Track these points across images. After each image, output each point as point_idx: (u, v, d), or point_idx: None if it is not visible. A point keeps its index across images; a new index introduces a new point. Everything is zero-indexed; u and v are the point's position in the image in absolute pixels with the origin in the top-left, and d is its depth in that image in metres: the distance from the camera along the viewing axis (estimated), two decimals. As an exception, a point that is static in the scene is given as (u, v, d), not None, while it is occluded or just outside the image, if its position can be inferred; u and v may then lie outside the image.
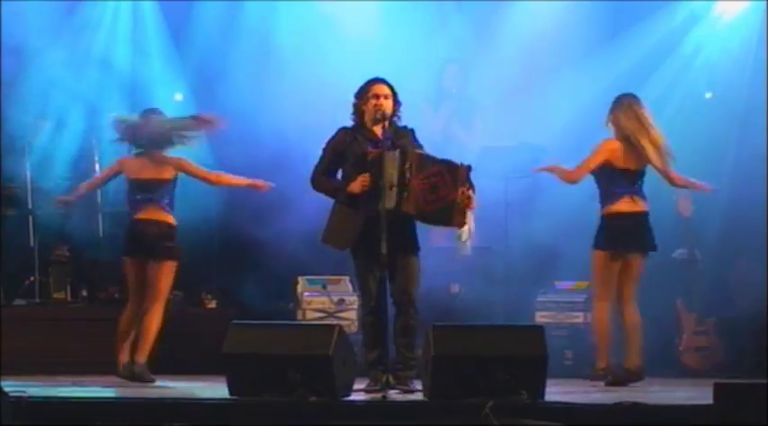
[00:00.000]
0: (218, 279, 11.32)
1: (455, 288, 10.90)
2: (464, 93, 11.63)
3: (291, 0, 11.60)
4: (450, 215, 8.25)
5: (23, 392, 7.45)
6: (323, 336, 7.73)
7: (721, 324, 10.41)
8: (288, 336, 7.95)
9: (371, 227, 8.17)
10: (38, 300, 11.07)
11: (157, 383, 9.17)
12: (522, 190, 10.77)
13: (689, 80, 11.42)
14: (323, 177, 8.54)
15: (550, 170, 9.27)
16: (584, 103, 10.74)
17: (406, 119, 8.59)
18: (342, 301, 10.63)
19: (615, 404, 7.33)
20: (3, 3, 11.16)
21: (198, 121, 9.21)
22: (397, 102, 8.51)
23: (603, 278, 9.15)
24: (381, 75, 8.56)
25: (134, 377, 9.13)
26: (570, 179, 9.17)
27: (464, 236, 8.39)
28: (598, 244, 9.15)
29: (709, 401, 6.89)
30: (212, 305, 11.05)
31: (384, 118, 8.39)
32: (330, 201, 8.53)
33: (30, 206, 11.30)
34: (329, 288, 10.69)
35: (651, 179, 9.23)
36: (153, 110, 9.41)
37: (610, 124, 9.15)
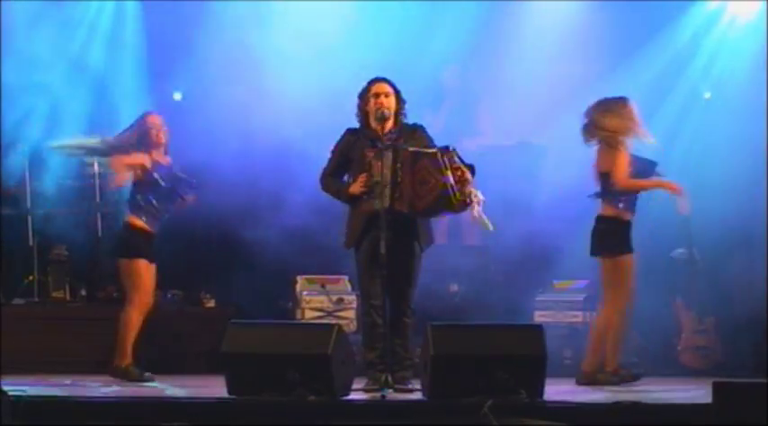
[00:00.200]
0: (217, 278, 11.31)
1: (454, 287, 10.90)
2: (464, 92, 11.63)
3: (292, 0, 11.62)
4: (448, 201, 8.15)
5: (23, 391, 7.45)
6: (322, 335, 7.73)
7: (720, 324, 10.41)
8: (287, 335, 7.95)
9: (372, 227, 8.19)
10: (37, 299, 11.07)
11: (157, 383, 9.18)
12: (521, 189, 10.76)
13: (690, 79, 11.42)
14: (330, 179, 8.57)
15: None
16: (584, 104, 10.73)
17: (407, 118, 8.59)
18: (341, 300, 10.63)
19: (614, 404, 7.34)
20: (2, 3, 11.18)
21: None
22: (400, 100, 8.50)
23: (632, 281, 9.08)
24: (382, 75, 8.57)
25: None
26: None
27: (476, 215, 8.30)
28: (630, 248, 9.08)
29: (709, 400, 6.89)
30: (211, 304, 11.03)
31: (384, 117, 8.40)
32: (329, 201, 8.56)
33: (29, 205, 11.30)
34: (328, 287, 10.69)
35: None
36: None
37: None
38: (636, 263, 9.05)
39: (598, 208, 9.13)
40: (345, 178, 8.55)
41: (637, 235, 9.12)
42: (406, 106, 8.56)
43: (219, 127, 11.09)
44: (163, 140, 9.41)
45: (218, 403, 7.55)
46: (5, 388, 7.29)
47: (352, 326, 10.26)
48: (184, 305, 11.06)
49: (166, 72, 11.46)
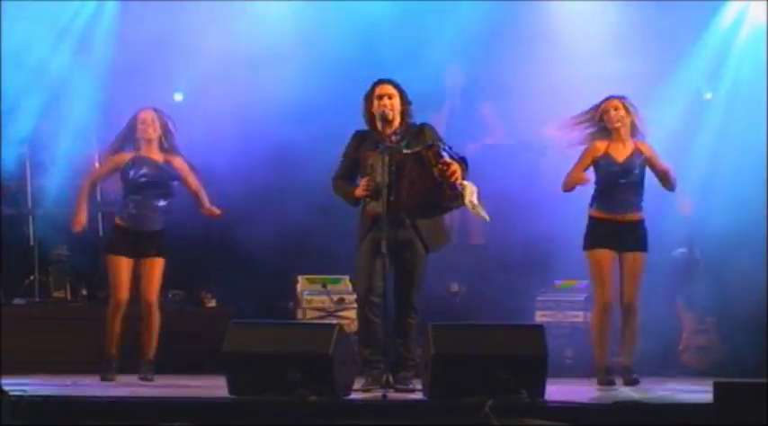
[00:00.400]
0: (218, 278, 11.32)
1: (455, 287, 10.90)
2: (465, 92, 11.63)
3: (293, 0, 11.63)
4: (440, 196, 8.16)
5: (23, 391, 7.45)
6: (323, 335, 7.72)
7: (721, 324, 10.41)
8: (288, 335, 7.94)
9: (376, 229, 8.22)
10: (37, 299, 11.08)
11: (157, 382, 9.18)
12: (522, 188, 10.76)
13: (689, 78, 11.41)
14: (339, 181, 8.59)
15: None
16: (585, 103, 10.73)
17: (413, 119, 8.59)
18: (342, 300, 10.64)
19: (615, 404, 7.32)
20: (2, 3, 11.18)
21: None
22: (405, 101, 8.50)
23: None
24: (385, 75, 8.57)
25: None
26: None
27: (469, 205, 8.30)
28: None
29: (710, 400, 6.89)
30: (212, 304, 11.05)
31: (387, 118, 8.39)
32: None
33: (29, 205, 11.30)
34: (329, 286, 10.69)
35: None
36: None
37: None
38: (608, 260, 9.03)
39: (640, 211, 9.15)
40: (359, 180, 8.56)
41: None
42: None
43: (220, 127, 11.09)
44: (152, 135, 9.42)
45: (218, 403, 7.54)
46: (6, 388, 7.29)
47: (354, 326, 10.22)
48: (185, 304, 11.08)
49: (167, 72, 11.46)
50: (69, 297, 11.13)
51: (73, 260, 11.19)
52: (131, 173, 9.40)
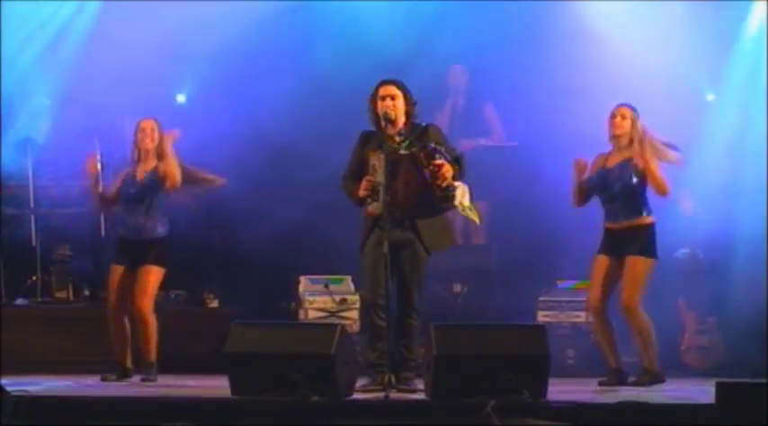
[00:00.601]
0: (220, 278, 11.32)
1: (457, 288, 10.90)
2: (468, 92, 11.64)
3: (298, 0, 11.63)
4: (433, 197, 8.18)
5: (24, 391, 7.45)
6: (325, 336, 7.73)
7: (723, 324, 10.41)
8: (290, 336, 7.94)
9: (378, 229, 8.22)
10: (40, 299, 11.08)
11: (158, 382, 9.18)
12: (522, 188, 10.76)
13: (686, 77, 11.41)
14: (346, 181, 8.58)
15: None
16: (586, 103, 10.73)
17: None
18: (344, 300, 10.63)
19: (617, 404, 7.33)
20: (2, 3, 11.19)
21: None
22: (409, 102, 8.48)
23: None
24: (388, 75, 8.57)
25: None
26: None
27: (459, 207, 8.31)
28: (656, 254, 9.09)
29: (711, 400, 6.88)
30: (214, 304, 11.04)
31: (390, 119, 8.38)
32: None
33: (32, 205, 11.31)
34: (331, 287, 10.69)
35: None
36: None
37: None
38: (601, 265, 9.06)
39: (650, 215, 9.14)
40: None
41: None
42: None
43: (221, 127, 11.10)
44: (149, 146, 9.41)
45: (220, 403, 7.54)
46: (7, 387, 7.29)
47: (356, 327, 10.26)
48: (188, 305, 11.08)
49: (169, 74, 11.48)
50: (71, 298, 11.13)
51: (75, 260, 11.19)
52: (124, 188, 9.44)
